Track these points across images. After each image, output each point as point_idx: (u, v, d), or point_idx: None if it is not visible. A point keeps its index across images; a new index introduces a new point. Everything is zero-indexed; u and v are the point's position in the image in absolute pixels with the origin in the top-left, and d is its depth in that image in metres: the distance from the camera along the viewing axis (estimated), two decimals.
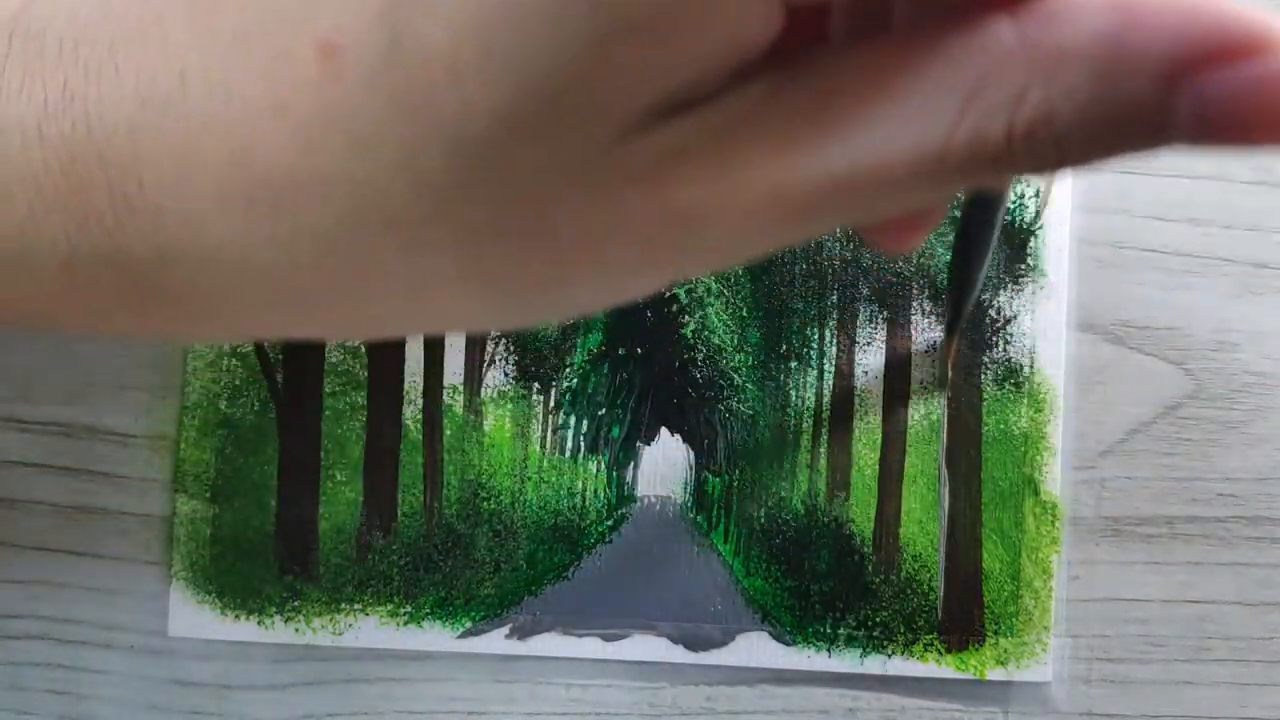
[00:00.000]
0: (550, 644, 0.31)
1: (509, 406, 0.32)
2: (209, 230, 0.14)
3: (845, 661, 0.31)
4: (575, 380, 0.32)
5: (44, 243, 0.15)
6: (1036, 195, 0.31)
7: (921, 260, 0.31)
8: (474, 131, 0.13)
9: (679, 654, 0.31)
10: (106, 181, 0.14)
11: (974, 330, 0.31)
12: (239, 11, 0.14)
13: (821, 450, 0.31)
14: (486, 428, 0.32)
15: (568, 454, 0.32)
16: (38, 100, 0.14)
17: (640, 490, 0.32)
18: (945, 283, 0.31)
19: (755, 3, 0.13)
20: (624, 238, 0.14)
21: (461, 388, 0.32)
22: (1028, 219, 0.31)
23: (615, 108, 0.13)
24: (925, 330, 0.31)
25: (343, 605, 0.31)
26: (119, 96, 0.14)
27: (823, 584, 0.31)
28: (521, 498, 0.32)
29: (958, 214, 0.29)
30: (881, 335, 0.32)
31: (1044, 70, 0.13)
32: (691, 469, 0.32)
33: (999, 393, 0.31)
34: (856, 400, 0.32)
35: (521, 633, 0.31)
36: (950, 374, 0.31)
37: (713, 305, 0.32)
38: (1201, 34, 0.12)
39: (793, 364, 0.32)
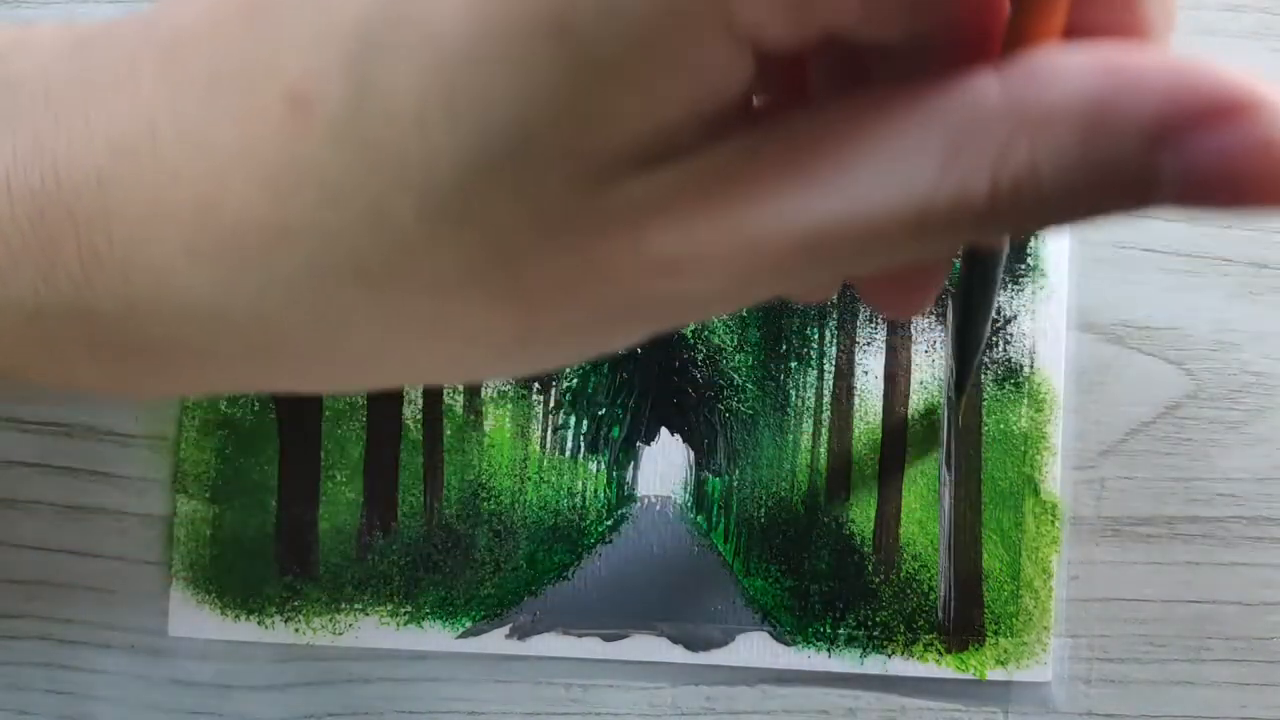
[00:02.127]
0: (550, 644, 0.31)
1: (509, 406, 0.32)
2: (177, 283, 0.14)
3: (845, 661, 0.31)
4: (575, 380, 0.32)
5: (12, 295, 0.15)
6: None
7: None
8: (441, 181, 0.13)
9: (679, 654, 0.31)
10: (75, 236, 0.14)
11: None
12: (210, 60, 0.14)
13: (821, 450, 0.31)
14: (486, 428, 0.32)
15: (568, 454, 0.32)
16: (6, 152, 0.14)
17: (640, 490, 0.32)
18: (950, 342, 0.31)
19: (722, 45, 0.13)
20: (597, 290, 0.14)
21: (461, 388, 0.32)
22: None
23: (585, 153, 0.13)
24: (925, 330, 0.31)
25: (343, 605, 0.31)
26: (88, 147, 0.14)
27: (823, 584, 0.31)
28: (521, 498, 0.32)
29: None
30: (881, 335, 0.32)
31: (1031, 128, 0.13)
32: (691, 469, 0.32)
33: (999, 393, 0.31)
34: (856, 400, 0.32)
35: (521, 633, 0.31)
36: (954, 435, 0.31)
37: None
38: (1190, 95, 0.12)
39: (793, 364, 0.32)
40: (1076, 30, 0.14)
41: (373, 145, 0.13)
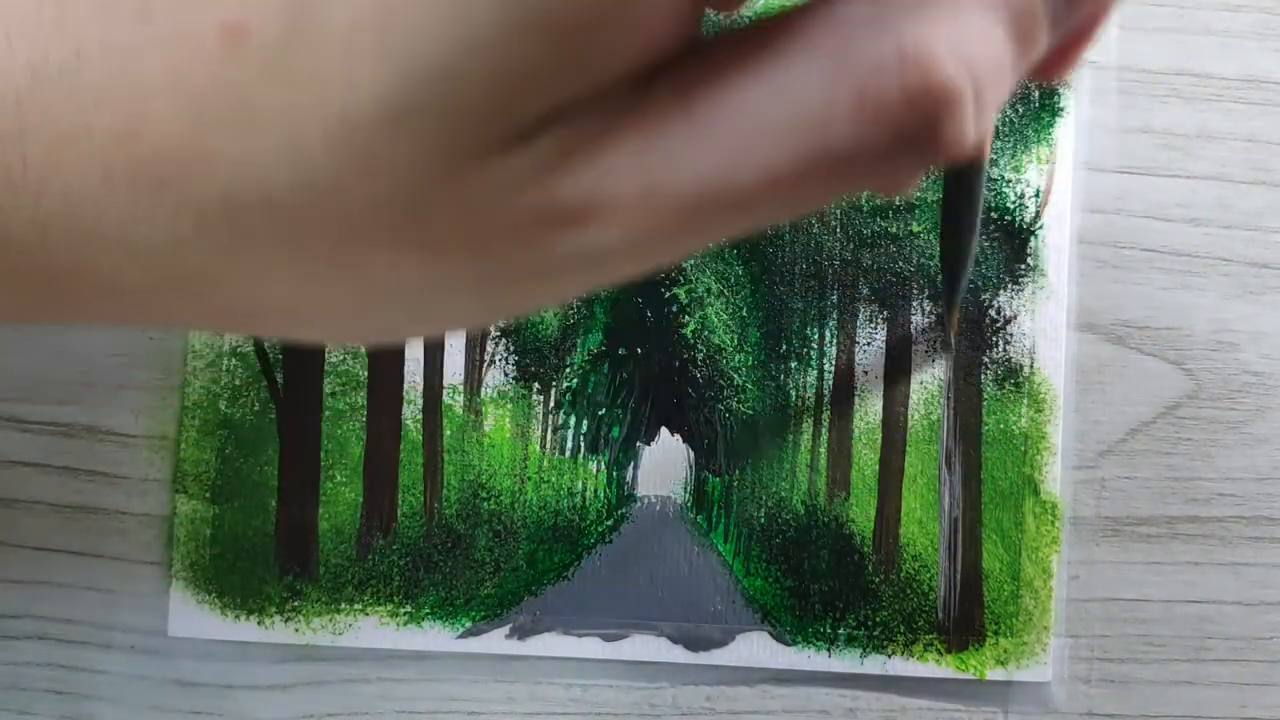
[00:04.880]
0: (550, 644, 0.31)
1: (509, 406, 0.32)
2: (91, 207, 0.14)
3: (845, 661, 0.31)
4: (575, 380, 0.32)
5: None
6: (1036, 195, 0.31)
7: (921, 260, 0.31)
8: (354, 114, 0.13)
9: (679, 654, 0.31)
10: None
11: (974, 330, 0.31)
12: None
13: (821, 450, 0.31)
14: (486, 428, 0.32)
15: (568, 454, 0.32)
16: None
17: (640, 490, 0.32)
18: (938, 262, 0.31)
19: (673, 6, 0.12)
20: (506, 242, 0.14)
21: (461, 388, 0.32)
22: (1028, 219, 0.31)
23: (511, 110, 0.13)
24: (926, 330, 0.31)
25: (343, 605, 0.31)
26: (8, 66, 0.14)
27: (823, 584, 0.31)
28: (521, 498, 0.32)
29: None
30: (881, 335, 0.32)
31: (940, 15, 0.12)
32: (691, 469, 0.32)
33: (999, 393, 0.31)
34: (857, 401, 0.32)
35: (521, 633, 0.31)
36: (954, 342, 0.31)
37: (713, 305, 0.32)
38: None
39: (793, 364, 0.32)
40: None
41: (298, 75, 0.13)
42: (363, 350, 0.32)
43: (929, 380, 0.31)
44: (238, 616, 0.31)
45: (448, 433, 0.32)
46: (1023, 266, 0.31)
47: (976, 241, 0.27)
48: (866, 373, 0.32)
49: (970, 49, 0.13)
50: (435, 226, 0.14)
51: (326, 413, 0.31)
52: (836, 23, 0.13)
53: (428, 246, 0.14)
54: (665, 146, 0.13)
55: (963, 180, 0.24)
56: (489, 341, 0.32)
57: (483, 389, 0.32)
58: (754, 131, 0.13)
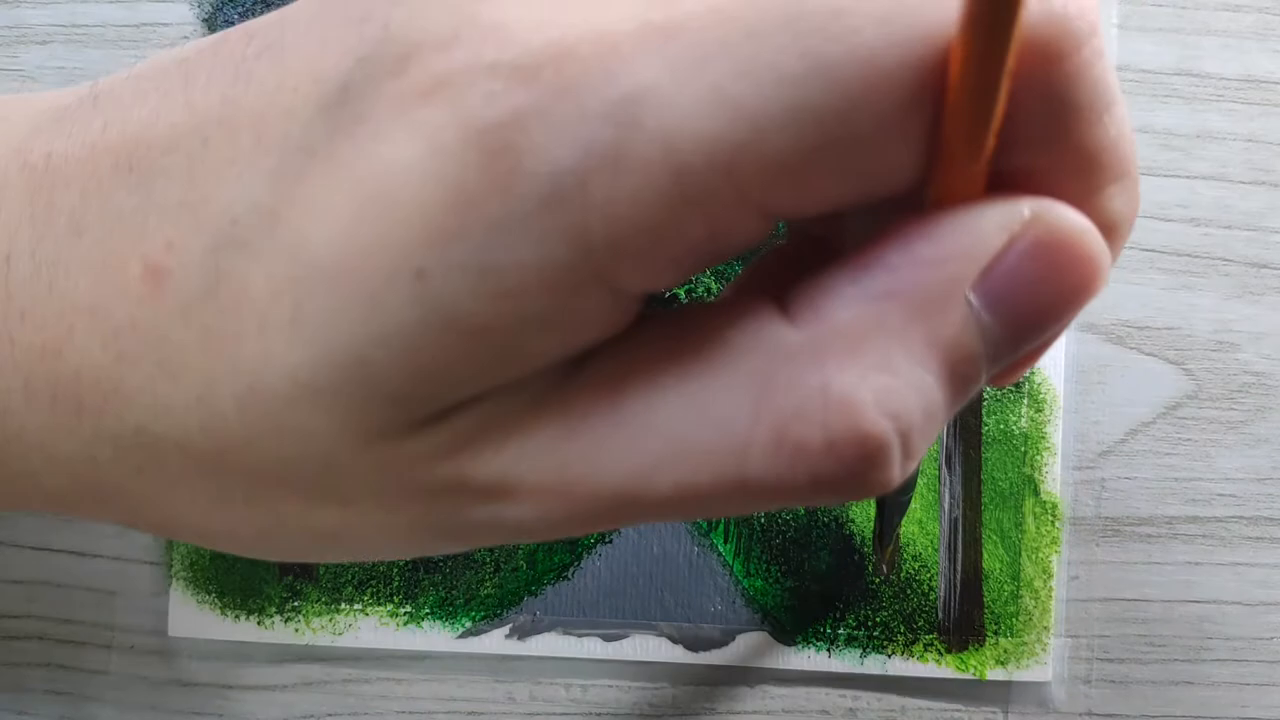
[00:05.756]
0: (550, 644, 0.31)
1: None
2: (13, 417, 0.14)
3: (845, 661, 0.31)
4: None
5: None
6: None
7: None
8: (267, 386, 0.13)
9: (679, 654, 0.31)
10: None
11: None
12: (80, 199, 0.13)
13: None
14: None
15: None
16: None
17: None
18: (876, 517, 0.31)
19: (602, 302, 0.12)
20: (415, 507, 0.14)
21: None
22: None
23: (425, 397, 0.12)
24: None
25: (342, 605, 0.31)
26: None
27: (823, 584, 0.31)
28: None
29: None
30: None
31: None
32: None
33: (999, 393, 0.31)
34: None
35: (521, 633, 0.31)
36: (885, 571, 0.31)
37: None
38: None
39: None
40: (1009, 177, 0.13)
41: (214, 333, 0.13)
42: None
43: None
44: (238, 616, 0.31)
45: None
46: None
47: (905, 508, 0.27)
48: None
49: (900, 397, 0.12)
50: (347, 487, 0.14)
51: None
52: (765, 349, 0.13)
53: (340, 502, 0.14)
54: (585, 440, 0.13)
55: None
56: None
57: None
58: (674, 446, 0.13)
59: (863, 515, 0.31)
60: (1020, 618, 0.31)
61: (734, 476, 0.13)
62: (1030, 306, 0.13)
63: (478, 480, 0.13)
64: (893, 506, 0.26)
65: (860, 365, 0.12)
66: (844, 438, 0.12)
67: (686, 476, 0.13)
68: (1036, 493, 0.31)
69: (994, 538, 0.31)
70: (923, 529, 0.31)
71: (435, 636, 0.31)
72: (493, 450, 0.13)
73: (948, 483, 0.31)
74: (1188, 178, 0.31)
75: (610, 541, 0.32)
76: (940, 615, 0.31)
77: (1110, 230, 0.13)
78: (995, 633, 0.31)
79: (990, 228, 0.12)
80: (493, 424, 0.13)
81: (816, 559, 0.31)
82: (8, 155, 0.14)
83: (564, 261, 0.11)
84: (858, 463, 0.12)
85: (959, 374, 0.13)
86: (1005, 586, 0.31)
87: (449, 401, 0.13)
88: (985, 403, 0.31)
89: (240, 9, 0.31)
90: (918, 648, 0.31)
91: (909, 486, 0.25)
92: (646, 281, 0.12)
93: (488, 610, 0.31)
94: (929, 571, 0.31)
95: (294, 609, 0.31)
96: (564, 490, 0.13)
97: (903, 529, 0.31)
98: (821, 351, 0.12)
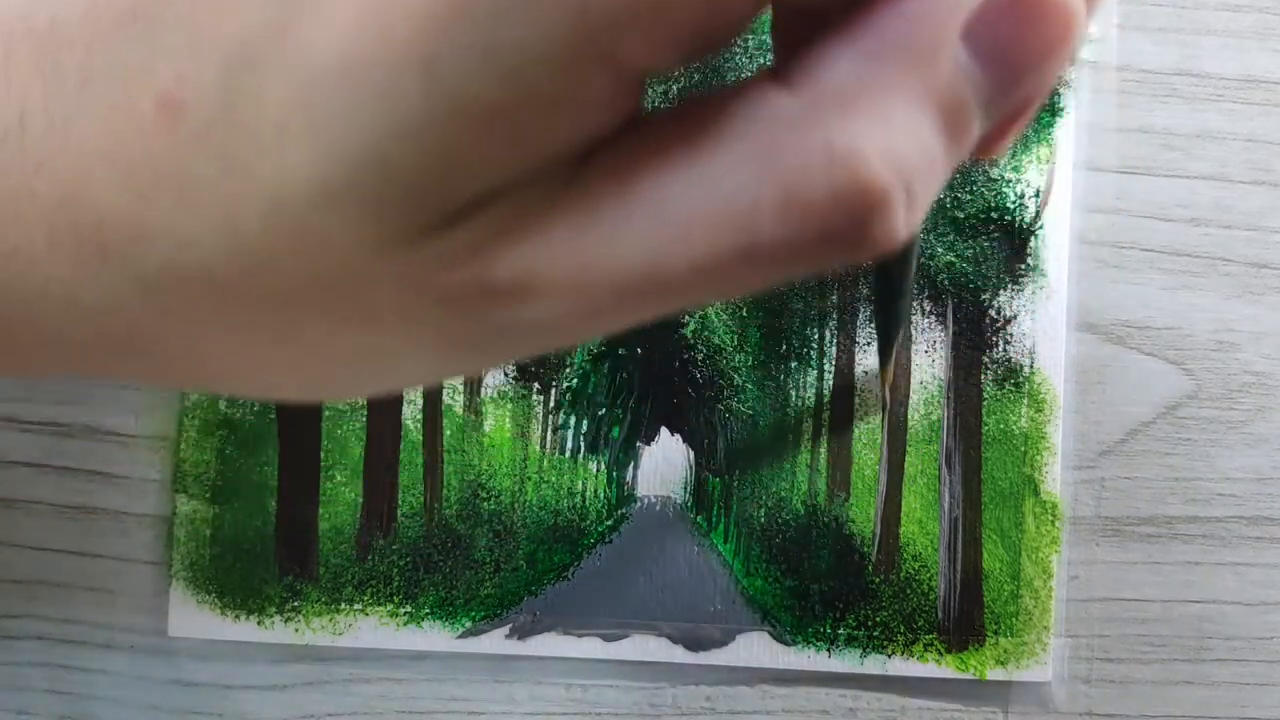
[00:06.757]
0: (550, 644, 0.31)
1: (509, 406, 0.32)
2: (37, 268, 0.14)
3: (845, 661, 0.31)
4: (575, 380, 0.32)
5: None
6: (1036, 195, 0.31)
7: (921, 261, 0.31)
8: (289, 196, 0.13)
9: (679, 654, 0.31)
10: None
11: (974, 330, 0.31)
12: (85, 57, 0.14)
13: (821, 450, 0.31)
14: (486, 428, 0.32)
15: (568, 454, 0.32)
16: None
17: (640, 490, 0.32)
18: (875, 314, 0.31)
19: (606, 81, 0.12)
20: (440, 314, 0.14)
21: (461, 388, 0.32)
22: (1028, 219, 0.31)
23: (443, 193, 0.13)
24: (926, 330, 0.31)
25: (342, 605, 0.31)
26: None
27: (823, 584, 0.31)
28: (521, 498, 0.32)
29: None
30: None
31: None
32: (691, 469, 0.32)
33: (999, 393, 0.31)
34: (856, 400, 0.32)
35: (521, 633, 0.31)
36: (888, 398, 0.31)
37: (713, 305, 0.32)
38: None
39: (793, 364, 0.32)
40: None
41: (232, 154, 0.13)
42: None
43: (929, 380, 0.31)
44: (237, 616, 0.31)
45: (448, 433, 0.32)
46: (1023, 266, 0.31)
47: (910, 302, 0.26)
48: (866, 373, 0.32)
49: (900, 146, 0.13)
50: (371, 300, 0.14)
51: (326, 412, 0.31)
52: (766, 118, 0.13)
53: (364, 318, 0.14)
54: (600, 229, 0.13)
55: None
56: None
57: (483, 389, 0.32)
58: (685, 223, 0.13)
59: (862, 515, 0.31)
60: (1020, 617, 0.31)
61: (746, 244, 0.13)
62: (1012, 54, 0.13)
63: (497, 281, 0.13)
64: (896, 289, 0.26)
65: (859, 120, 0.13)
66: (849, 189, 0.13)
67: (700, 253, 0.13)
68: (1036, 493, 0.31)
69: (994, 537, 0.31)
70: (923, 529, 0.31)
71: (435, 636, 0.31)
72: (509, 249, 0.13)
73: (948, 482, 0.31)
74: (1188, 178, 0.31)
75: (610, 541, 0.32)
76: (940, 615, 0.31)
77: None
78: (995, 632, 0.31)
79: None
80: (508, 223, 0.13)
81: (816, 559, 0.31)
82: (11, 22, 0.14)
83: (565, 39, 0.12)
84: (864, 212, 0.13)
85: (953, 122, 0.13)
86: (1005, 586, 0.31)
87: (464, 197, 0.13)
88: (985, 402, 0.31)
89: None
90: (918, 647, 0.31)
91: (908, 259, 0.24)
92: (648, 58, 0.12)
93: (488, 610, 0.31)
94: (929, 571, 0.31)
95: (294, 609, 0.31)
96: (583, 283, 0.13)
97: (903, 529, 0.31)
98: (821, 112, 0.13)
